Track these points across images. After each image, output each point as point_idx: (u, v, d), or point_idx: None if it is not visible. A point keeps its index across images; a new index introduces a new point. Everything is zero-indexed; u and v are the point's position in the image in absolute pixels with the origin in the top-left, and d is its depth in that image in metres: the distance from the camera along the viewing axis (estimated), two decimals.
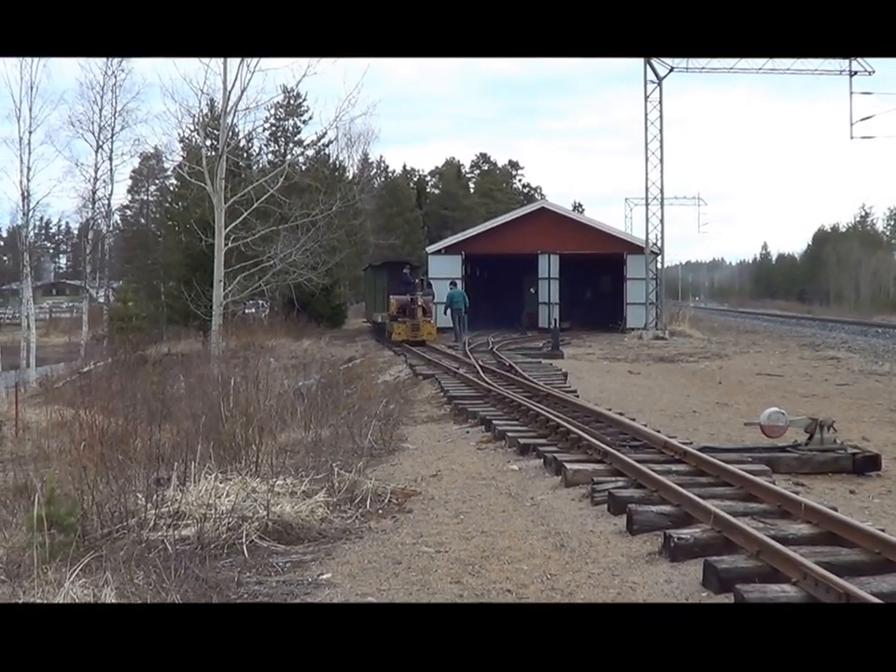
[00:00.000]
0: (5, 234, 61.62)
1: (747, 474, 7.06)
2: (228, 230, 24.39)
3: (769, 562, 5.09)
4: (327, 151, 44.55)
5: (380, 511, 7.25)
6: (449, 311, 28.07)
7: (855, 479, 8.07)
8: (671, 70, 31.27)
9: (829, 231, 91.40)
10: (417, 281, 28.91)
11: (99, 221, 37.63)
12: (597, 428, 9.61)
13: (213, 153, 25.85)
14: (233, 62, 24.00)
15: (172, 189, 42.29)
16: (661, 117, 31.71)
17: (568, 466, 8.03)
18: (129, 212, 59.76)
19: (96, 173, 33.97)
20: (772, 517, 6.18)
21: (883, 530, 5.59)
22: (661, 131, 31.74)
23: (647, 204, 32.49)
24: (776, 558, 5.05)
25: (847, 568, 4.92)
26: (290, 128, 46.14)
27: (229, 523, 6.50)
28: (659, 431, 9.52)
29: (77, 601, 4.97)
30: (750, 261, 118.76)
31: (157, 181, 54.76)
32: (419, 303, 27.07)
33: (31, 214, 32.41)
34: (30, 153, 30.05)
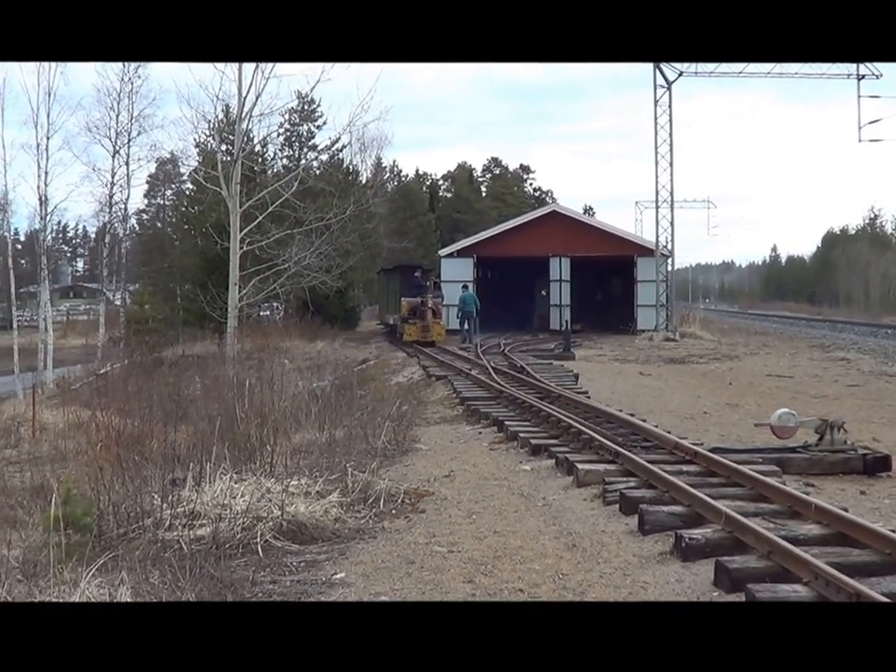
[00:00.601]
0: (23, 238, 61.94)
1: (757, 475, 7.06)
2: (243, 233, 24.51)
3: (780, 562, 5.10)
4: (340, 156, 44.78)
5: (393, 512, 7.29)
6: (461, 313, 28.19)
7: (865, 480, 8.07)
8: (680, 74, 31.28)
9: (838, 233, 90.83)
10: (427, 284, 29.09)
11: (116, 225, 37.84)
12: (609, 429, 9.64)
13: (228, 158, 25.97)
14: (248, 68, 24.14)
15: (188, 193, 42.42)
16: (670, 120, 31.75)
17: (580, 466, 8.06)
18: (145, 216, 60.03)
19: (113, 177, 34.11)
20: (783, 517, 6.18)
21: (894, 531, 5.58)
22: (670, 134, 31.80)
23: (657, 207, 32.57)
24: (787, 558, 5.06)
25: (857, 569, 4.93)
26: (304, 133, 46.33)
27: (243, 523, 6.55)
28: (670, 432, 9.54)
29: (92, 600, 5.01)
30: (760, 263, 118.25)
31: (173, 186, 54.94)
32: (429, 305, 27.32)
33: (48, 218, 32.59)
34: (47, 158, 30.19)
